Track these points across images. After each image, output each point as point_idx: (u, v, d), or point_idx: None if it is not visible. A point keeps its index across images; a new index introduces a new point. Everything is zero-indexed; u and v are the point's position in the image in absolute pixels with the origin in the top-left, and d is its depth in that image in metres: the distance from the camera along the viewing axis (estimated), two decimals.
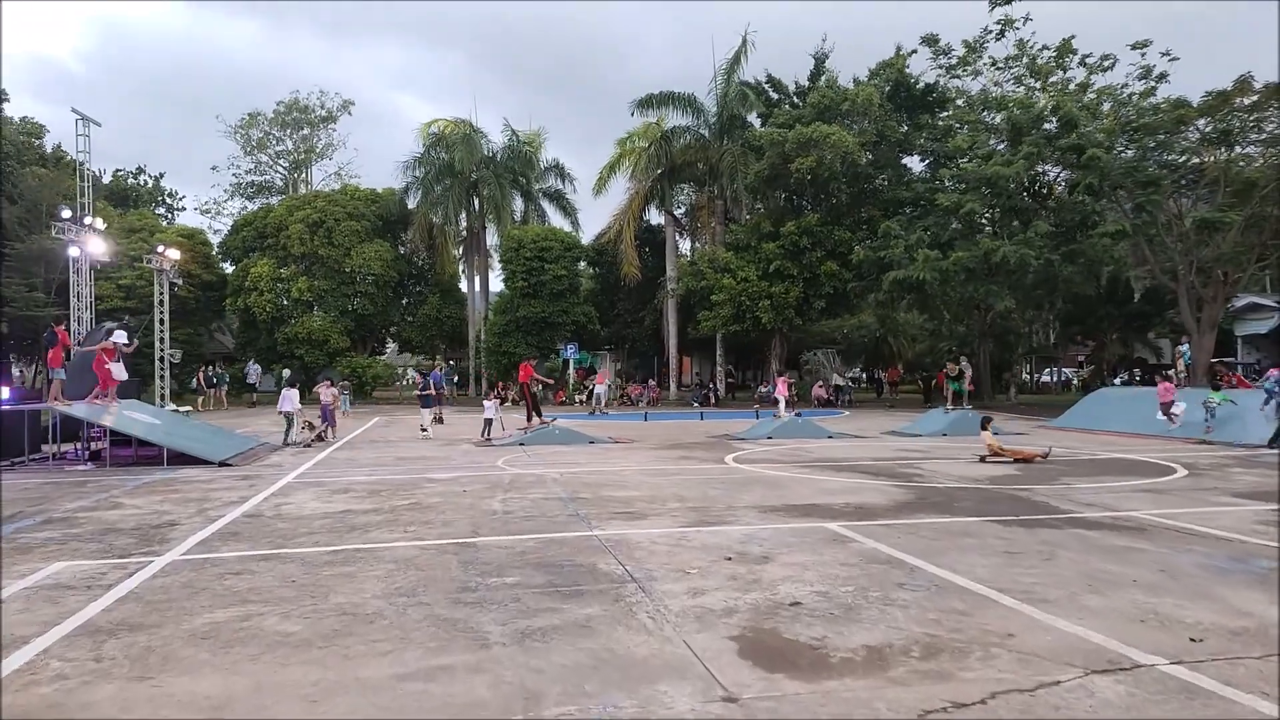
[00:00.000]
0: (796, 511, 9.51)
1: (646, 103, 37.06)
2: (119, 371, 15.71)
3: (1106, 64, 32.67)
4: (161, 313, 25.34)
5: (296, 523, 8.98)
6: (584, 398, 35.61)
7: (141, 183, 54.61)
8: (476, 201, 40.26)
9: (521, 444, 17.58)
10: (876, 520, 8.97)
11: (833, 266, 33.25)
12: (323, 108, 48.91)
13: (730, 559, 7.16)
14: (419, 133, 40.31)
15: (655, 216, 41.30)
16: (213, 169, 58.71)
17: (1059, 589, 6.09)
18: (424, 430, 19.81)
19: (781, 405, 18.41)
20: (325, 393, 18.99)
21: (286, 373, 34.12)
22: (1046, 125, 31.41)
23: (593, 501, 10.29)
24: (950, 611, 5.51)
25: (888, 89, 34.17)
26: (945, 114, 35.30)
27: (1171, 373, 27.40)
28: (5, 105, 41.46)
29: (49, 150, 38.89)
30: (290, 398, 17.46)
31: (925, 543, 7.77)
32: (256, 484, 12.00)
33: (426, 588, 6.27)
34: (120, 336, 16.06)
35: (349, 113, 50.08)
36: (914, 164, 37.11)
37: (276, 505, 10.12)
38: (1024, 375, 48.44)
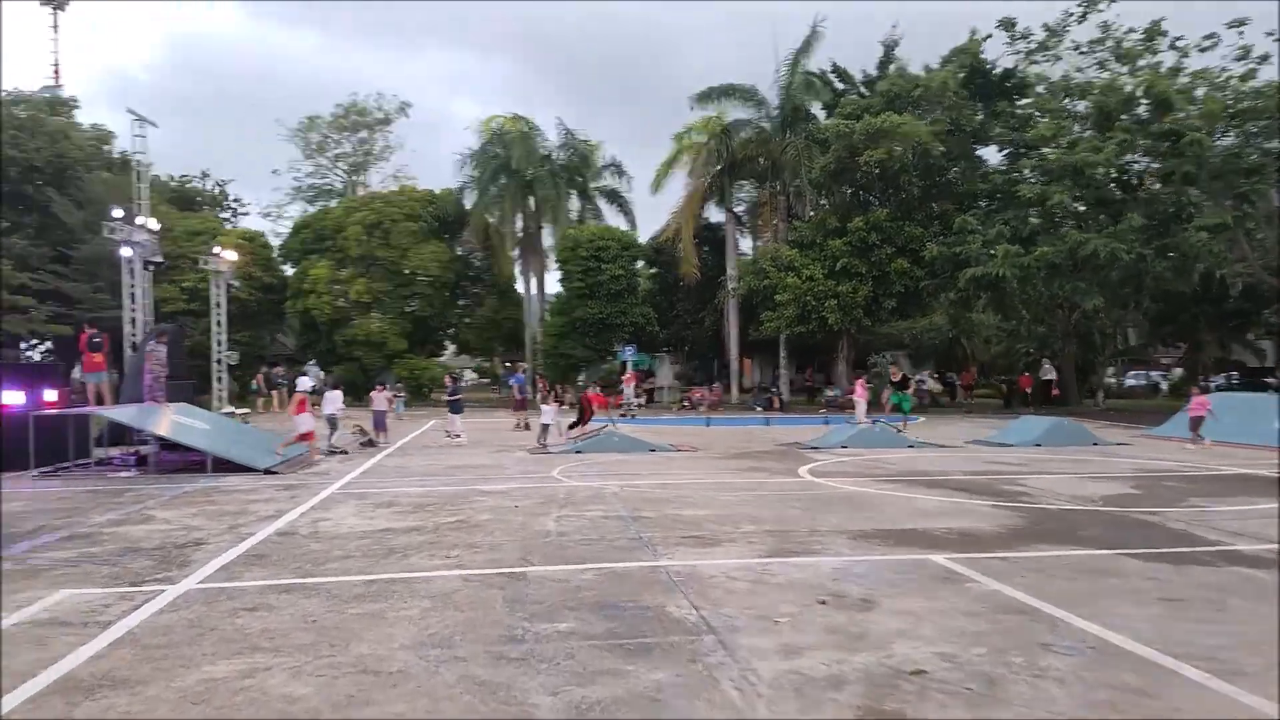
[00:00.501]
0: (891, 538, 8.33)
1: (706, 96, 35.91)
2: (307, 422, 15.37)
3: (1208, 44, 30.40)
4: (219, 315, 25.09)
5: (331, 543, 8.12)
6: (641, 402, 34.60)
7: (207, 188, 55.30)
8: (532, 201, 39.57)
9: (579, 451, 16.63)
10: (989, 551, 7.74)
11: (904, 264, 31.63)
12: (380, 110, 48.89)
13: (824, 602, 6.04)
14: (480, 127, 39.76)
15: (715, 214, 40.12)
16: (274, 173, 59.22)
17: (1252, 655, 4.84)
18: (457, 436, 18.93)
19: (861, 409, 17.09)
20: (378, 397, 18.30)
21: (316, 373, 33.52)
22: (1138, 109, 29.43)
23: (657, 522, 9.25)
24: (1124, 689, 4.31)
25: (962, 75, 32.42)
26: (1024, 101, 33.37)
27: (1273, 379, 25.30)
28: (77, 113, 42.26)
29: (116, 155, 39.37)
30: (332, 400, 16.75)
31: (1059, 585, 6.53)
32: (298, 495, 11.25)
33: (465, 635, 5.29)
34: (306, 383, 15.92)
35: (406, 115, 49.95)
36: (990, 155, 35.30)
37: (313, 521, 9.30)
38: (1109, 379, 45.97)
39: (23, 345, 34.38)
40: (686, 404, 34.60)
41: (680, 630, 5.39)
